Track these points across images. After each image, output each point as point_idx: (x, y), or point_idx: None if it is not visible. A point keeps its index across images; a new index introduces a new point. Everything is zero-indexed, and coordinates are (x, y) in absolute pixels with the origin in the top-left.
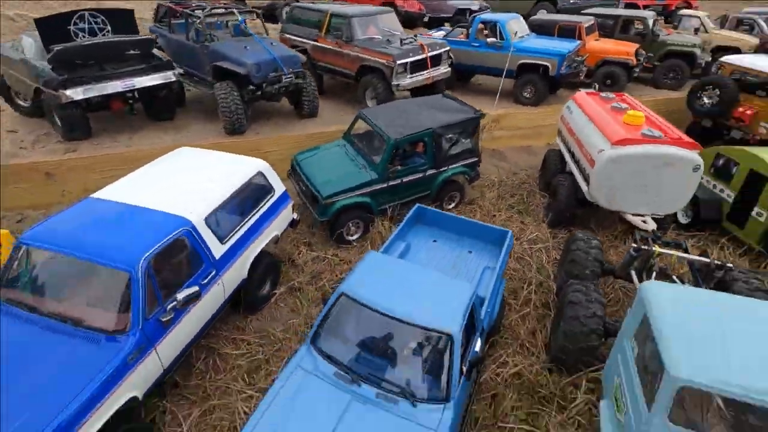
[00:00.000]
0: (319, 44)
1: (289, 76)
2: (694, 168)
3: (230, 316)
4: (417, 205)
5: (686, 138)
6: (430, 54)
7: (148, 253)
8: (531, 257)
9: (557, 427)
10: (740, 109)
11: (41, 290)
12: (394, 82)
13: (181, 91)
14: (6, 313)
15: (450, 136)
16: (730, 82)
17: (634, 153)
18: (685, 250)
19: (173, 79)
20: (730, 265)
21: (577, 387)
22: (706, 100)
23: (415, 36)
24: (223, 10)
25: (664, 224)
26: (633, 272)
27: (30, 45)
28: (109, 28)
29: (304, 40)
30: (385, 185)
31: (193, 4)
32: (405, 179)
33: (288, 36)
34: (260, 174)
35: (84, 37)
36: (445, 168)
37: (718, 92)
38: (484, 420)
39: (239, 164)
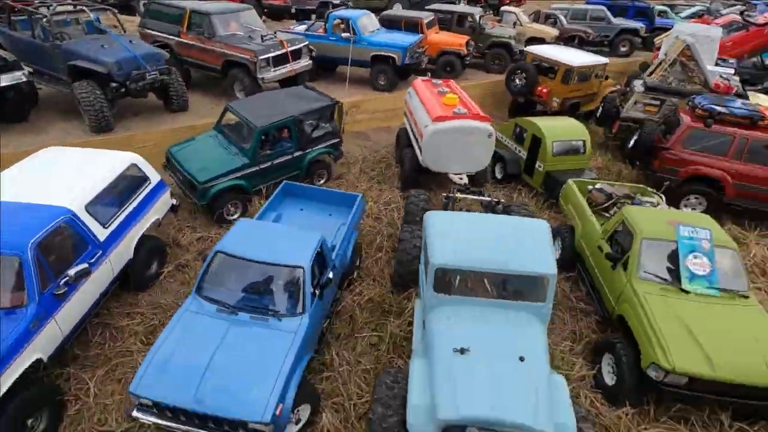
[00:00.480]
0: (182, 40)
1: (153, 73)
2: (488, 135)
3: (123, 295)
4: (284, 181)
5: (482, 113)
6: (290, 49)
7: (34, 239)
8: (385, 216)
9: (396, 328)
10: (539, 88)
11: None
12: (259, 76)
13: (33, 90)
14: None
15: (311, 121)
16: (531, 67)
17: (447, 127)
18: (480, 194)
19: (23, 79)
20: (503, 200)
21: (408, 299)
22: (517, 82)
23: (275, 32)
24: (72, 8)
25: (481, 180)
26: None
27: None
28: None
29: (167, 36)
30: (257, 168)
31: (37, 1)
32: (275, 162)
33: (149, 31)
34: (134, 166)
35: None
36: (311, 149)
37: (525, 75)
38: (344, 334)
39: (112, 158)
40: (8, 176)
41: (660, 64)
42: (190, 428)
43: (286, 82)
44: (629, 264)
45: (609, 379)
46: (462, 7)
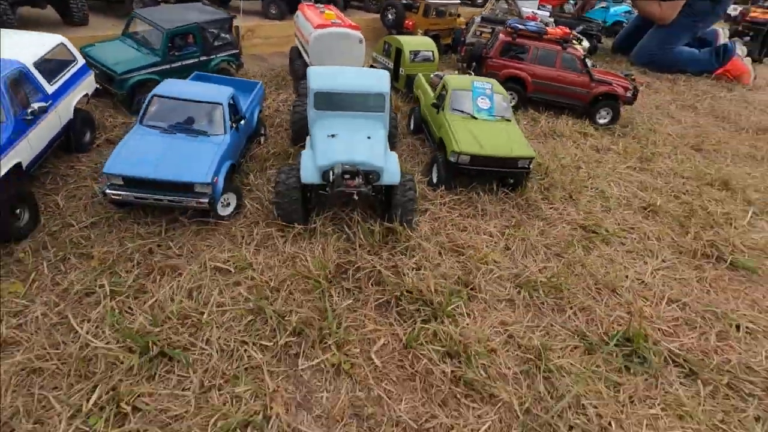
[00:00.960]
0: None
1: None
2: (359, 41)
3: (64, 156)
4: (195, 72)
5: (354, 24)
6: None
7: (3, 75)
8: (283, 108)
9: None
10: (407, 21)
11: None
12: None
13: None
14: None
15: (212, 30)
16: (399, 4)
17: (326, 32)
18: None
19: None
20: None
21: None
22: (389, 17)
23: None
24: None
25: None
26: None
27: None
28: None
29: None
30: (168, 67)
31: None
32: (183, 63)
33: None
34: (63, 45)
35: None
36: (214, 56)
37: (395, 11)
38: (257, 170)
39: (44, 36)
40: None
41: (489, 3)
42: (149, 196)
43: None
44: (444, 106)
45: (435, 179)
46: None
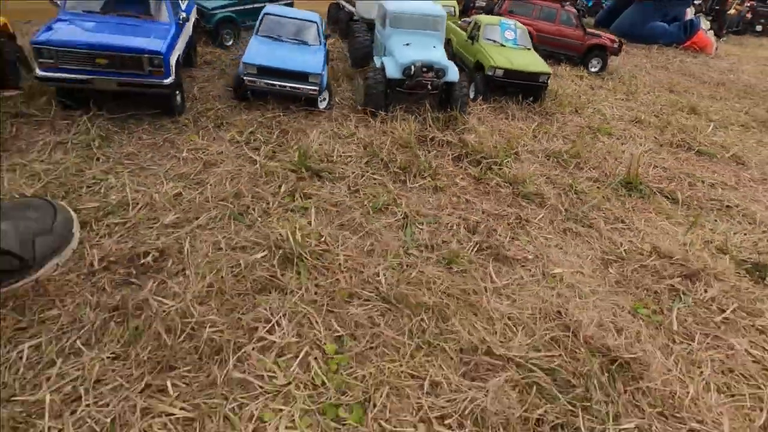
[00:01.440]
0: None
1: None
2: None
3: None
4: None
5: None
6: None
7: None
8: (331, 50)
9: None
10: None
11: None
12: None
13: None
14: None
15: None
16: None
17: None
18: None
19: None
20: None
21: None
22: None
23: None
24: None
25: None
26: None
27: None
28: None
29: None
30: (241, 7)
31: None
32: (254, 5)
33: None
34: None
35: None
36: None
37: None
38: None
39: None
40: None
41: None
42: (276, 83)
43: None
44: (479, 37)
45: (472, 94)
46: None
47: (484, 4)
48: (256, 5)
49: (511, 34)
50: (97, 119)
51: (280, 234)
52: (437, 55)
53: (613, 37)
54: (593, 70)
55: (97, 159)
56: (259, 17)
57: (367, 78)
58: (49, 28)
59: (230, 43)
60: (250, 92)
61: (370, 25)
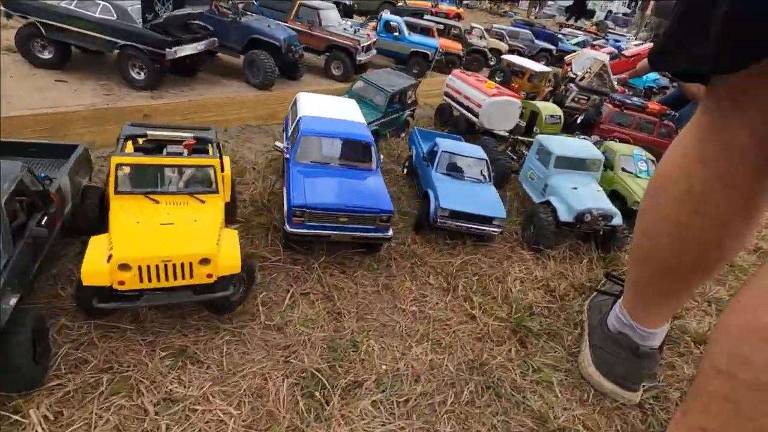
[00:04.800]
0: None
1: (300, 48)
2: (519, 107)
3: None
4: (416, 128)
5: (514, 93)
6: (371, 41)
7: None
8: None
9: None
10: (512, 84)
11: None
12: (358, 58)
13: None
14: None
15: (409, 92)
16: (507, 69)
17: (498, 100)
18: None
19: (216, 44)
20: None
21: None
22: (497, 79)
23: (354, 27)
24: None
25: (511, 134)
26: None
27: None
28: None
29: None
30: (385, 119)
31: None
32: (392, 116)
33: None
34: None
35: (163, 7)
36: (405, 111)
37: (503, 75)
38: None
39: (349, 101)
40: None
41: (586, 75)
42: (464, 224)
43: (362, 65)
44: (614, 167)
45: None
46: (452, 22)
47: (572, 105)
48: (394, 116)
49: (644, 165)
50: (321, 262)
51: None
52: (608, 203)
53: None
54: None
55: (343, 315)
56: (437, 155)
57: (540, 218)
58: (298, 188)
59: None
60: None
61: (491, 134)
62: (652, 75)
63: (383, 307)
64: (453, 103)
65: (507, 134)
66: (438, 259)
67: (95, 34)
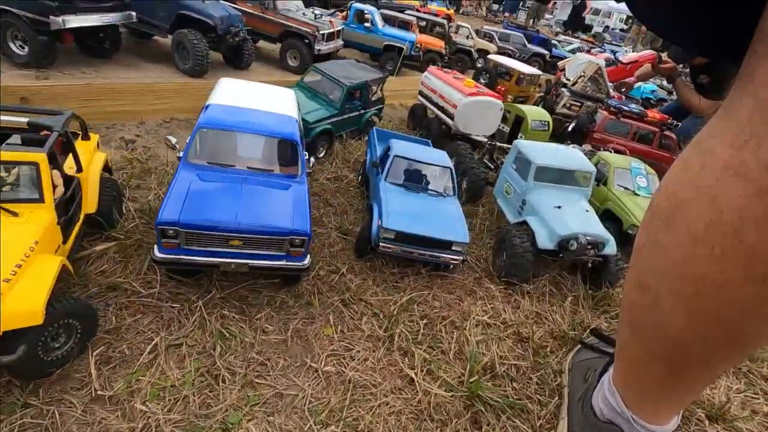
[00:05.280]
0: (241, 8)
1: (242, 31)
2: (500, 109)
3: None
4: (375, 128)
5: (495, 94)
6: (336, 29)
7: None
8: None
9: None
10: (498, 87)
11: None
12: (316, 47)
13: (119, 33)
14: None
15: (373, 87)
16: (493, 71)
17: (476, 100)
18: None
19: (134, 19)
20: None
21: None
22: (482, 81)
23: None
24: None
25: (491, 140)
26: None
27: None
28: None
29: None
30: (340, 118)
31: None
32: (350, 115)
33: None
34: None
35: None
36: (368, 110)
37: (489, 76)
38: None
39: (283, 90)
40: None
41: (580, 77)
42: (415, 250)
43: (322, 56)
44: (608, 182)
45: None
46: (436, 18)
47: (564, 111)
48: (353, 114)
49: (643, 180)
50: (210, 299)
51: None
52: (599, 227)
53: None
54: None
55: (222, 379)
56: (389, 161)
57: (514, 244)
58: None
59: (322, 154)
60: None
61: (467, 139)
62: (650, 86)
63: (287, 364)
64: (427, 104)
65: (486, 140)
66: (378, 294)
67: None
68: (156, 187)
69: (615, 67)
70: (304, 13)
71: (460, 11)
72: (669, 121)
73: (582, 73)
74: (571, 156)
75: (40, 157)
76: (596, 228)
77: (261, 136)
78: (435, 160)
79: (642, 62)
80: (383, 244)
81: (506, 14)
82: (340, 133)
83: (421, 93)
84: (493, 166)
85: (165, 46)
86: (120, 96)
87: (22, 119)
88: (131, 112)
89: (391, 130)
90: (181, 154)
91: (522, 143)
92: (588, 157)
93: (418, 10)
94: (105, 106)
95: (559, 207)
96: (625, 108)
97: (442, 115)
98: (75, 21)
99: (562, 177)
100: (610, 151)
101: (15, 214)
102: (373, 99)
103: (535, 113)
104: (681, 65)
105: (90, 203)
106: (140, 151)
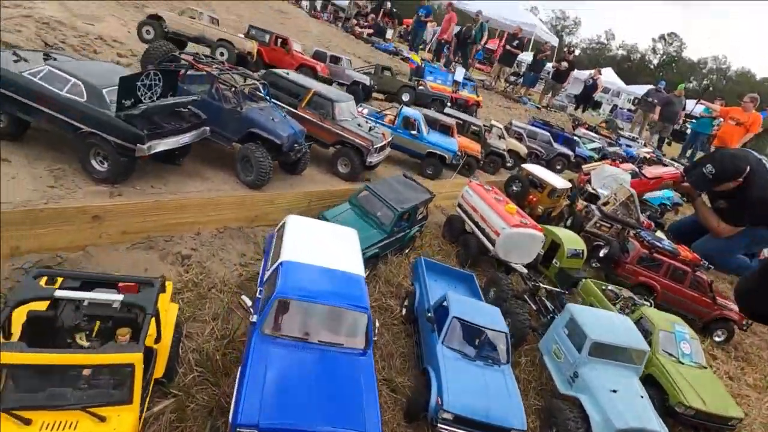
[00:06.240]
0: (299, 113)
1: (304, 148)
2: (542, 241)
3: None
4: (422, 258)
5: (537, 225)
6: (387, 141)
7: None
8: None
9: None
10: (530, 197)
11: None
12: (368, 159)
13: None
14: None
15: (421, 209)
16: (525, 180)
17: (519, 232)
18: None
19: (208, 135)
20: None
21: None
22: (514, 188)
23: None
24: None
25: (533, 276)
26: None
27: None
28: (161, 85)
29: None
30: (389, 241)
31: (213, 66)
32: (396, 236)
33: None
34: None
35: (145, 93)
36: (412, 228)
37: (521, 185)
38: None
39: (347, 233)
40: (296, 240)
41: (611, 201)
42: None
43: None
44: (652, 345)
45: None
46: (471, 119)
47: (594, 230)
48: (400, 235)
49: (687, 347)
50: None
51: None
52: (654, 421)
53: (737, 310)
54: (717, 339)
55: None
56: (447, 323)
57: (567, 423)
58: (253, 389)
59: (366, 275)
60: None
61: (506, 265)
62: (667, 192)
63: None
64: (466, 219)
65: (524, 270)
66: None
67: (57, 114)
68: (211, 320)
69: (639, 180)
70: (359, 124)
71: (483, 83)
72: (700, 262)
73: (614, 196)
74: (625, 330)
75: (136, 357)
76: (652, 422)
77: (334, 307)
78: (493, 324)
79: (666, 179)
80: (441, 426)
81: (524, 88)
82: (385, 252)
83: (460, 206)
84: (535, 307)
85: (221, 151)
86: (183, 210)
87: (116, 297)
88: (190, 224)
89: (439, 261)
90: (254, 318)
91: (576, 309)
92: (630, 311)
93: (452, 100)
94: (167, 219)
95: (615, 391)
96: (659, 244)
97: (482, 237)
98: (159, 146)
99: (617, 354)
100: (649, 301)
101: (102, 419)
102: (419, 218)
103: (571, 240)
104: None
105: (160, 369)
106: (196, 271)
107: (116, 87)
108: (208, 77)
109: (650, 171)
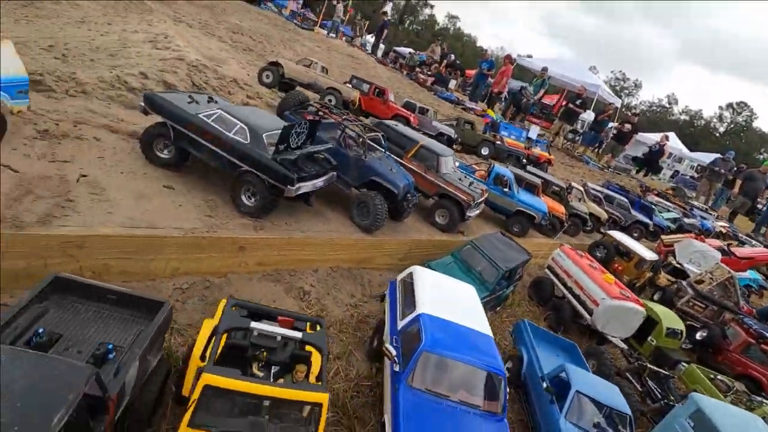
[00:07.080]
0: (404, 163)
1: (416, 197)
2: (642, 315)
3: None
4: (526, 321)
5: (638, 299)
6: (486, 197)
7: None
8: None
9: None
10: (615, 265)
11: None
12: (468, 213)
13: None
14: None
15: (520, 270)
16: (611, 247)
17: (621, 305)
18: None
19: (335, 179)
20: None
21: None
22: (598, 254)
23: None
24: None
25: (636, 355)
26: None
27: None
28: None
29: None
30: (490, 297)
31: (342, 117)
32: (496, 294)
33: None
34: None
35: (295, 140)
36: (509, 286)
37: (606, 251)
38: None
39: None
40: (430, 293)
41: (706, 279)
42: None
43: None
44: None
45: None
46: (553, 178)
47: (687, 309)
48: (497, 294)
49: None
50: None
51: None
52: None
53: None
54: None
55: None
56: (569, 397)
57: None
58: None
59: None
60: None
61: (601, 336)
62: (754, 274)
63: None
64: (557, 283)
65: (623, 344)
66: None
67: (222, 152)
68: (336, 360)
69: (728, 258)
70: (460, 178)
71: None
72: None
73: (709, 275)
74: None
75: (324, 397)
76: None
77: (476, 368)
78: (613, 400)
79: (759, 261)
80: None
81: (583, 147)
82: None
83: (550, 269)
84: (641, 389)
85: (337, 193)
86: (307, 247)
87: (297, 335)
88: (310, 261)
89: (542, 327)
90: (398, 368)
91: (704, 402)
92: (744, 406)
93: (526, 157)
94: (295, 255)
95: None
96: (766, 333)
97: (577, 305)
98: (303, 188)
99: None
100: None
101: None
102: (516, 278)
103: (669, 318)
104: None
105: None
106: (316, 308)
107: (271, 132)
108: (337, 126)
109: (741, 251)
